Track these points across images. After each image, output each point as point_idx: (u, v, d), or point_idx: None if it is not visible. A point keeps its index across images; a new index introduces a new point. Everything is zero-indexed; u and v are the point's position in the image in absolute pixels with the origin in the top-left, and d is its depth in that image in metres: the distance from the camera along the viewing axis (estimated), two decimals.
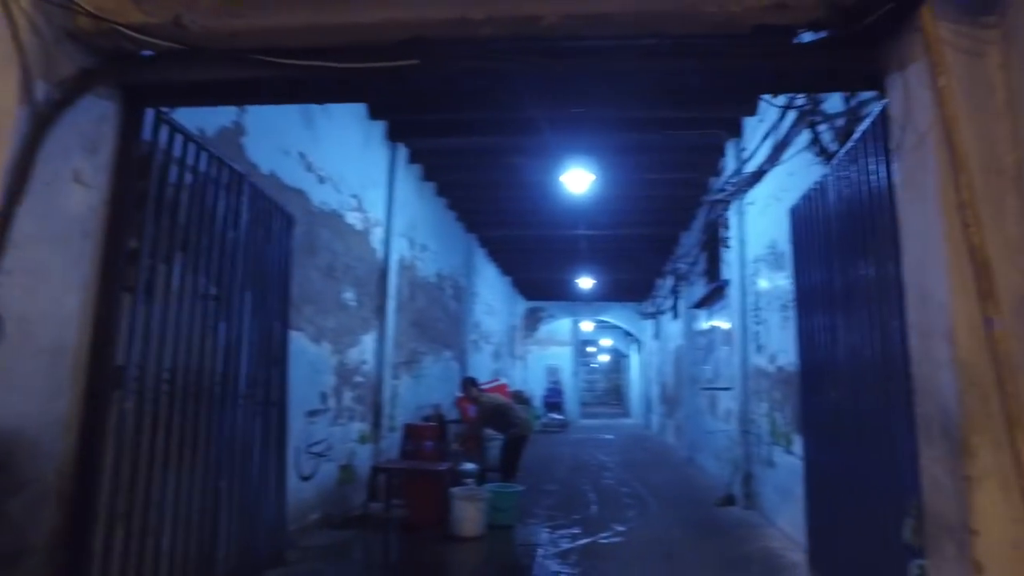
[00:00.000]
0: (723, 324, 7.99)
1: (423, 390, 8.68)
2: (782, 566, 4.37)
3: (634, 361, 24.49)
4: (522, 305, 19.74)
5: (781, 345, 5.43)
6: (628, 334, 23.17)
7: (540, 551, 4.84)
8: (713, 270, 8.83)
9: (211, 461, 3.59)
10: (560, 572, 4.31)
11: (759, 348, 6.17)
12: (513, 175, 8.80)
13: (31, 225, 2.54)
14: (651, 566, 4.47)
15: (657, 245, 12.73)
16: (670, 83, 3.43)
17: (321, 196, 5.65)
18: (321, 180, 5.67)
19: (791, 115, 5.16)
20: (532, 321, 20.50)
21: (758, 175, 6.14)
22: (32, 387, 2.57)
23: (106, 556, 2.85)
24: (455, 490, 5.32)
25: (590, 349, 33.10)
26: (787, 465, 5.18)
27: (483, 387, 9.41)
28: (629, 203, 9.95)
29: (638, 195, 9.71)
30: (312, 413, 5.35)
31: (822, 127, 4.46)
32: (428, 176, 9.10)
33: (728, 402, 7.45)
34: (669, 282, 13.86)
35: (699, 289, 9.72)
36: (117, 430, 2.97)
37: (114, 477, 2.94)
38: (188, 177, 3.49)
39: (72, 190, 2.81)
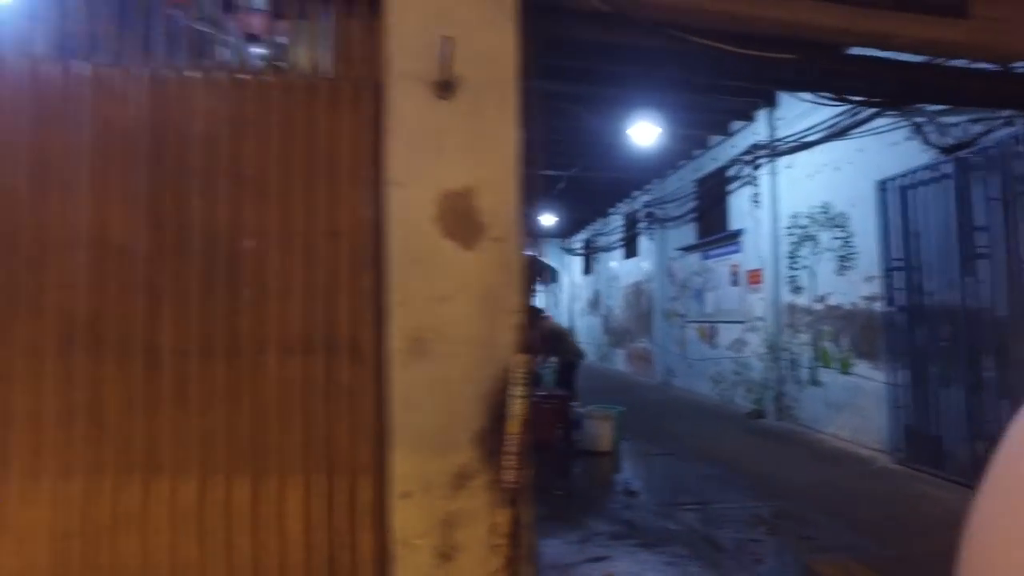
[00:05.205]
0: (730, 266, 9.28)
1: None
2: (863, 459, 5.72)
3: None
4: None
5: (835, 287, 6.72)
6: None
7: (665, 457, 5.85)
8: (716, 219, 10.01)
9: None
10: (709, 473, 5.34)
11: (796, 289, 7.48)
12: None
13: None
14: (758, 463, 5.61)
15: (614, 189, 13.64)
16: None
17: None
18: None
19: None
20: None
21: (806, 144, 7.24)
22: None
23: None
24: (587, 410, 6.07)
25: None
26: (841, 384, 6.57)
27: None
28: (615, 149, 10.59)
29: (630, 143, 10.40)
30: None
31: (924, 122, 5.58)
32: None
33: (738, 333, 8.83)
34: (619, 222, 15.07)
35: (688, 234, 10.93)
36: None
37: None
38: None
39: None
